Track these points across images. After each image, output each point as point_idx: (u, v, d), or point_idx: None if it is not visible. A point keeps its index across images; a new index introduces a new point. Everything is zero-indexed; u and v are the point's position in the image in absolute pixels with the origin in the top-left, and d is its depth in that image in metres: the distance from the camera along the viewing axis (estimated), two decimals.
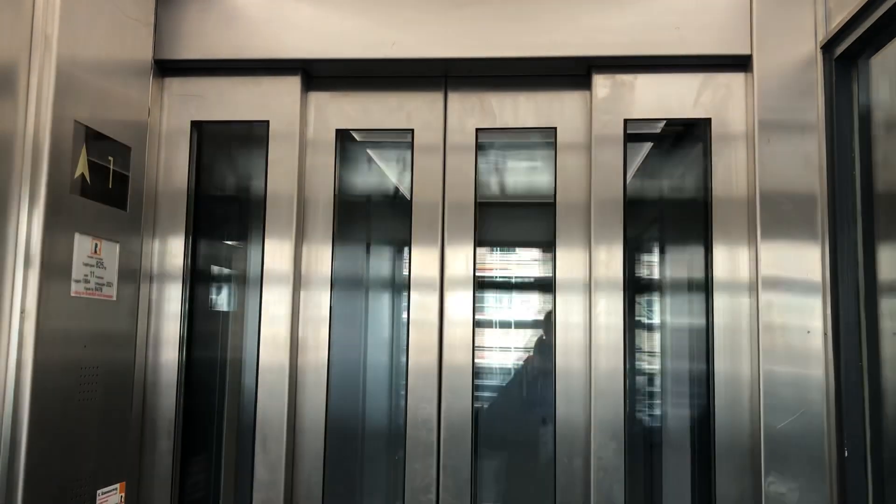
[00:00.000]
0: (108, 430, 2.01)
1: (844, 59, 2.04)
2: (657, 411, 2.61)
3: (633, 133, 2.33)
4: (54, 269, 1.80)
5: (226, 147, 2.61)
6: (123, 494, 2.05)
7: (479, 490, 2.31)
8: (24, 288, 1.75)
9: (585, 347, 2.21)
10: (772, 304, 2.06)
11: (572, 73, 2.29)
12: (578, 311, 2.24)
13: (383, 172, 2.95)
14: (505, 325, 2.87)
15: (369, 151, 2.87)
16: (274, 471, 2.21)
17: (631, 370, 2.26)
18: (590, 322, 2.19)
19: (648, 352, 2.63)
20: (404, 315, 2.32)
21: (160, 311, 2.30)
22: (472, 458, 2.21)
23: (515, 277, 2.96)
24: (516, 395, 2.79)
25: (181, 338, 2.30)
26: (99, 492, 1.96)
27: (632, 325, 2.22)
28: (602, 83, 2.25)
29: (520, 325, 2.88)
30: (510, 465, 2.71)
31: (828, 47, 2.07)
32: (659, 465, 2.59)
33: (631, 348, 2.20)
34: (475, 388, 2.24)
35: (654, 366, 2.61)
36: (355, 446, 2.79)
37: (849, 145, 2.04)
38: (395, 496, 2.48)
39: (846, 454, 1.96)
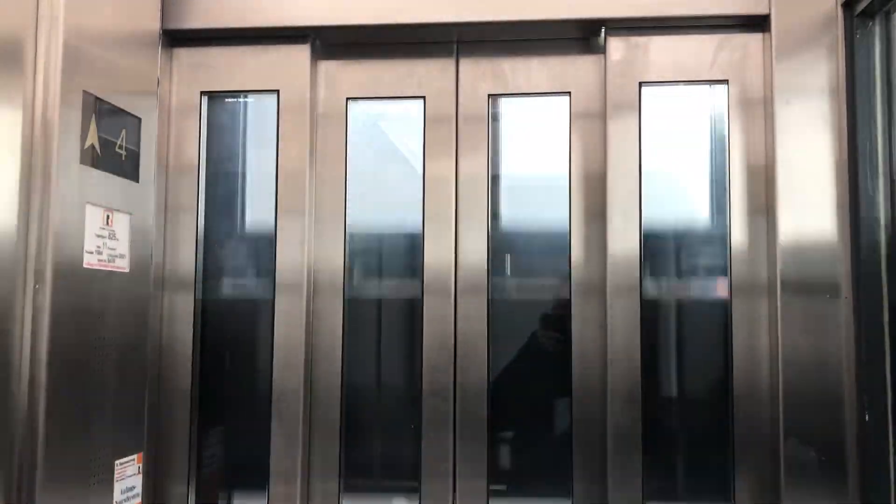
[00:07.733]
0: (124, 401, 2.01)
1: (865, 16, 1.98)
2: None
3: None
4: (67, 240, 1.80)
5: (237, 118, 2.58)
6: (141, 465, 2.06)
7: None
8: (38, 260, 1.74)
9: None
10: (790, 274, 2.04)
11: (586, 35, 2.25)
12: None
13: (394, 144, 2.92)
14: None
15: (380, 125, 2.84)
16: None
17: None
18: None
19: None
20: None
21: (175, 282, 2.30)
22: None
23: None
24: None
25: (195, 309, 2.30)
26: (117, 462, 1.96)
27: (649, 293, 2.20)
28: (616, 46, 2.20)
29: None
30: None
31: (848, 4, 2.01)
32: None
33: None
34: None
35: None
36: None
37: (871, 106, 2.00)
38: None
39: (867, 419, 1.94)
